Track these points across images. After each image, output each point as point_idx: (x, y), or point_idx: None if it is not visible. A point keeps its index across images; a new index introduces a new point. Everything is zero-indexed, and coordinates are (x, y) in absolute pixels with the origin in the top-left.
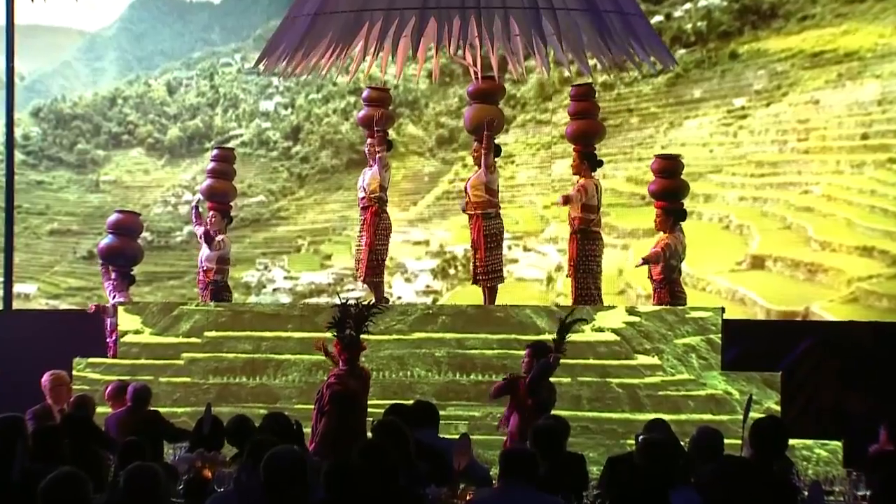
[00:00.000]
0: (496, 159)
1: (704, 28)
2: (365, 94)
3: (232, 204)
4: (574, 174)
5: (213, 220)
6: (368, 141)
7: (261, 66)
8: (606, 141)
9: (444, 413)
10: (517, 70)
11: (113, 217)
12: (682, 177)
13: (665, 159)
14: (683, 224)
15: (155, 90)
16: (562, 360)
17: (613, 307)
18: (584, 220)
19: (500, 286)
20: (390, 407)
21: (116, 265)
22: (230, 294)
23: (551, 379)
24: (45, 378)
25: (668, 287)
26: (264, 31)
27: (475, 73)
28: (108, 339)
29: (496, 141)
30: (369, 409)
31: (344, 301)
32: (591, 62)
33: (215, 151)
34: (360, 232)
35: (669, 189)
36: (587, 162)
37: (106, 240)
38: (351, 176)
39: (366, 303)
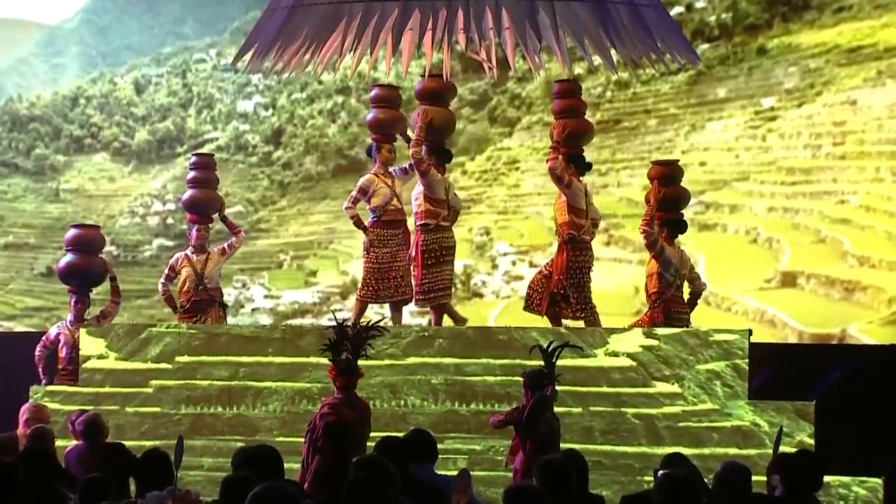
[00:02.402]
0: (445, 164)
1: (730, 20)
2: (375, 93)
3: (214, 217)
4: (554, 178)
5: (202, 233)
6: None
7: (239, 63)
8: (621, 145)
9: (441, 446)
10: (534, 64)
11: (71, 233)
12: (684, 184)
13: (663, 165)
14: (705, 237)
15: (121, 89)
16: (572, 388)
17: (629, 329)
18: (573, 226)
19: (498, 307)
20: (382, 440)
21: (80, 286)
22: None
23: (555, 408)
24: (25, 408)
25: (663, 306)
26: (242, 24)
27: (489, 68)
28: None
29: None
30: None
31: (340, 321)
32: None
33: (194, 158)
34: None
35: (669, 198)
36: (574, 165)
37: (66, 258)
38: (338, 184)
39: (364, 323)
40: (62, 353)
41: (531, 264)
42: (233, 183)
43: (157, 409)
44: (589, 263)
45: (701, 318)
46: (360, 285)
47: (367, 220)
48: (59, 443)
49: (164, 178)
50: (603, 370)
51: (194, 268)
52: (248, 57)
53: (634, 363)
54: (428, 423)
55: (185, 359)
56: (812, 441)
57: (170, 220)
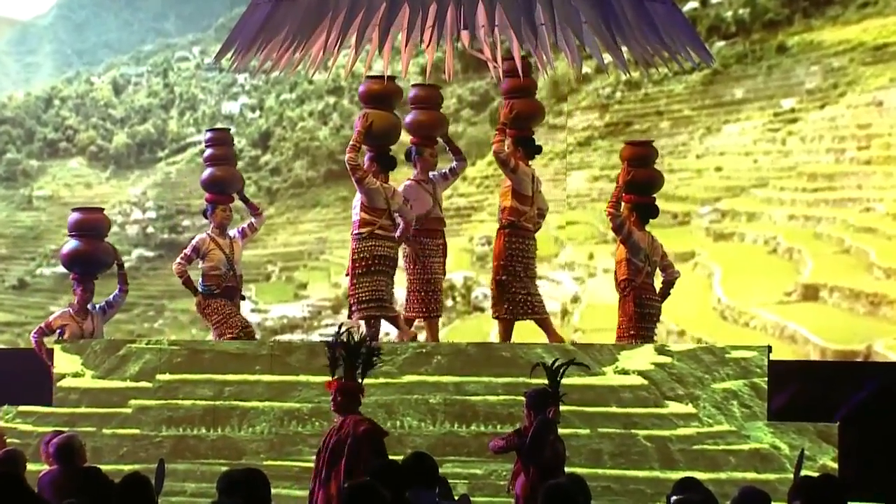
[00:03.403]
0: (389, 172)
1: (747, 16)
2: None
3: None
4: (499, 161)
5: (226, 213)
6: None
7: (225, 62)
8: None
9: (440, 470)
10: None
11: (73, 216)
12: (657, 167)
13: (635, 145)
14: (721, 247)
15: (98, 89)
16: (579, 408)
17: (640, 345)
18: (514, 212)
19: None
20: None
21: (85, 272)
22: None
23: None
24: None
25: (633, 293)
26: (228, 21)
27: (495, 68)
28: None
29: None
30: None
31: (347, 335)
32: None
33: (209, 134)
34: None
35: (639, 180)
36: (523, 148)
37: (69, 244)
38: (329, 190)
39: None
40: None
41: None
42: None
43: (137, 431)
44: (529, 253)
45: (717, 333)
46: (404, 301)
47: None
48: (31, 467)
49: (144, 185)
50: (612, 389)
51: (223, 250)
52: (232, 55)
53: (646, 382)
54: (425, 445)
55: (167, 377)
56: (835, 465)
57: (150, 230)
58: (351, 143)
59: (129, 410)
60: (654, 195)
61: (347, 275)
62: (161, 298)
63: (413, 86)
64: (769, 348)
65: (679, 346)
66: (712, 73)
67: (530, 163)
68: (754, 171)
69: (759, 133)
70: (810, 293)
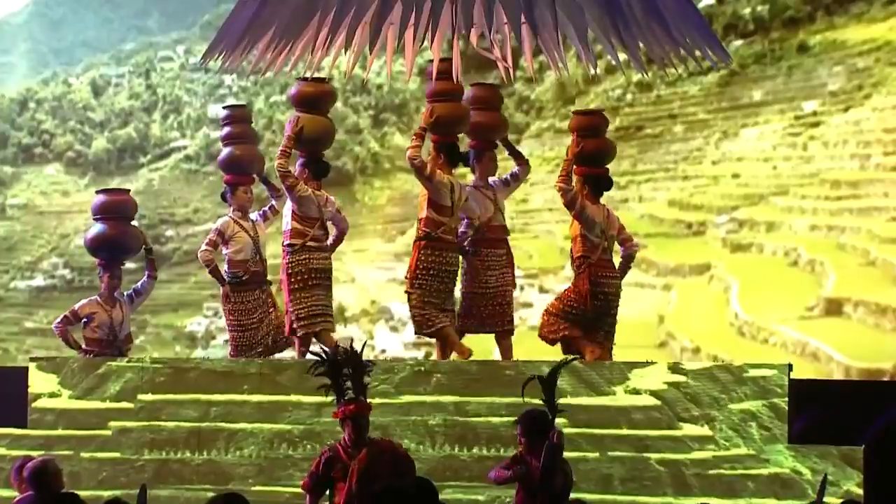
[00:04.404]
0: (321, 179)
1: (766, 13)
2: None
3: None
4: (413, 168)
5: (248, 195)
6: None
7: (211, 62)
8: (643, 155)
9: (440, 496)
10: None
11: (97, 199)
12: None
13: (584, 115)
14: (738, 259)
15: (77, 91)
16: (588, 430)
17: (652, 363)
18: (431, 224)
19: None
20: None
21: (112, 258)
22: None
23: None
24: None
25: (588, 271)
26: (214, 18)
27: (505, 68)
28: None
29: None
30: None
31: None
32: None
33: (226, 112)
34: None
35: (590, 151)
36: (445, 155)
37: (94, 228)
38: None
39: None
40: (96, 333)
41: (542, 289)
42: (203, 197)
43: (117, 455)
44: (447, 267)
45: (734, 350)
46: (459, 313)
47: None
48: (2, 493)
49: None
50: (623, 410)
51: (248, 233)
52: (219, 55)
53: (659, 402)
54: (424, 469)
55: (149, 397)
56: (860, 490)
57: None
58: (280, 148)
59: (108, 433)
60: (607, 166)
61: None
62: (143, 313)
63: (472, 85)
64: (790, 367)
65: (694, 364)
66: (729, 73)
67: (454, 171)
68: (774, 178)
69: (778, 138)
70: (833, 308)
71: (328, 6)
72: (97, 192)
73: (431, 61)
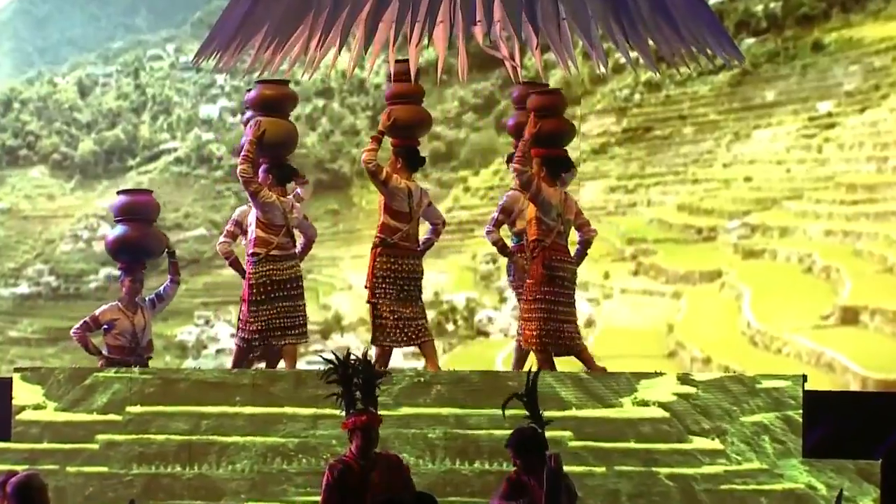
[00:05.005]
0: (285, 184)
1: (779, 10)
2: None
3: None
4: (369, 173)
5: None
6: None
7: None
8: (652, 157)
9: None
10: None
11: (119, 200)
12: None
13: (542, 94)
14: (750, 265)
15: (62, 91)
16: (594, 444)
17: (661, 374)
18: (388, 230)
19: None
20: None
21: (133, 261)
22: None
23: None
24: None
25: (541, 255)
26: (205, 15)
27: (514, 67)
28: None
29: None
30: None
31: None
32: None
33: (249, 95)
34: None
35: (547, 132)
36: (403, 159)
37: (115, 230)
38: (317, 202)
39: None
40: (118, 340)
41: None
42: (194, 201)
43: (105, 469)
44: (405, 274)
45: (746, 361)
46: (520, 330)
47: (511, 245)
48: None
49: (112, 197)
50: (631, 422)
51: None
52: (212, 55)
53: (668, 414)
54: (424, 484)
55: (138, 409)
56: None
57: None
58: (242, 153)
59: (95, 446)
60: (566, 147)
61: (242, 301)
62: None
63: (516, 85)
64: (804, 377)
65: (704, 374)
66: (741, 73)
67: (414, 176)
68: (787, 182)
69: (792, 139)
70: (850, 316)
71: (322, 4)
72: (118, 193)
73: (399, 61)
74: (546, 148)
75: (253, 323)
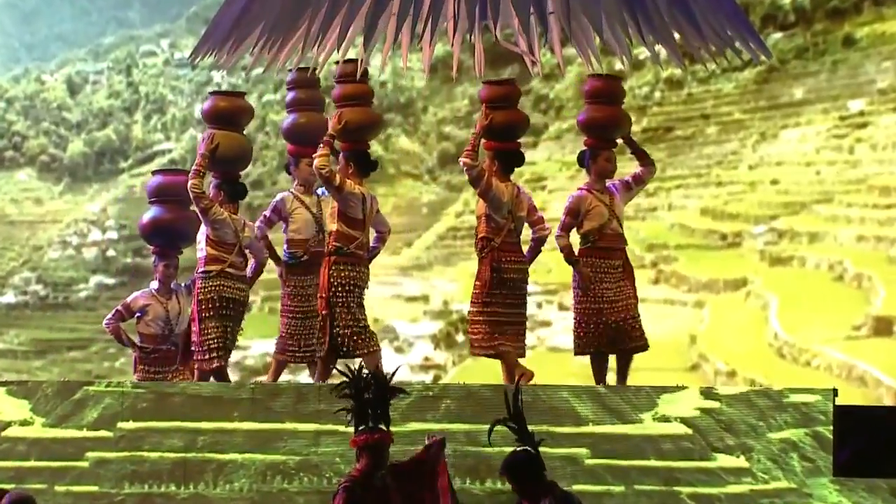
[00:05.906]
0: (238, 200)
1: (808, 4)
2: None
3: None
4: (322, 179)
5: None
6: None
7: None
8: (673, 159)
9: None
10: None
11: (154, 181)
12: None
13: (494, 84)
14: (777, 273)
15: (51, 89)
16: (613, 461)
17: (683, 388)
18: (342, 238)
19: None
20: None
21: (168, 245)
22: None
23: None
24: None
25: (490, 255)
26: (201, 10)
27: (532, 62)
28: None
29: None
30: None
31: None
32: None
33: (292, 75)
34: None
35: (499, 124)
36: (355, 164)
37: (149, 212)
38: None
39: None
40: (151, 327)
41: (561, 306)
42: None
43: (95, 488)
44: (360, 283)
45: (773, 374)
46: (574, 335)
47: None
48: None
49: (103, 200)
50: (651, 439)
51: (310, 210)
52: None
53: (690, 430)
54: None
55: (130, 425)
56: None
57: (111, 253)
58: (194, 167)
59: (85, 464)
60: (518, 140)
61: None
62: None
63: (589, 76)
64: (835, 391)
65: (729, 388)
66: (767, 69)
67: (364, 181)
68: (817, 185)
69: (822, 140)
70: (883, 327)
71: (319, 2)
72: (153, 173)
73: (346, 61)
74: (498, 141)
75: (205, 342)
